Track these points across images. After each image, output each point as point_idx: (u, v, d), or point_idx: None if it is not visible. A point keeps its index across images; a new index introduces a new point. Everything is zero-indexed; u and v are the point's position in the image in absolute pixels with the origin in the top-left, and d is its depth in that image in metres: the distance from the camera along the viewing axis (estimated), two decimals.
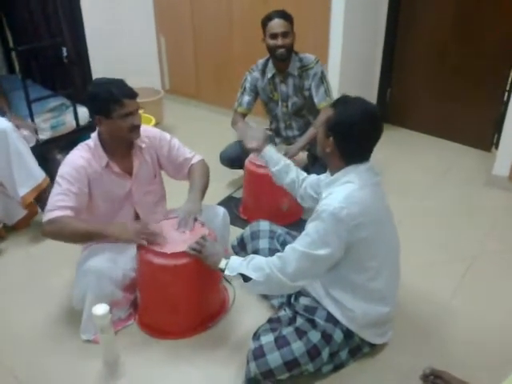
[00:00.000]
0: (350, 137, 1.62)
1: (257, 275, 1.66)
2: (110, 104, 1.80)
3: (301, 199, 2.03)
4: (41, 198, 2.53)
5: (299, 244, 1.63)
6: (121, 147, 1.95)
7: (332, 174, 1.71)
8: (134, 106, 1.85)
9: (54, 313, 2.10)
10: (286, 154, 2.62)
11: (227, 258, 1.76)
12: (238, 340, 1.93)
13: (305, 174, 2.03)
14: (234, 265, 1.72)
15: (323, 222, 1.58)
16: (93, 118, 1.88)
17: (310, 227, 1.63)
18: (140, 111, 1.93)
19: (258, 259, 1.71)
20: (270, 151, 2.05)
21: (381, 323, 1.79)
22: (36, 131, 2.78)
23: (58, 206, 1.82)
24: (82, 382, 1.79)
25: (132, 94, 1.84)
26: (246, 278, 1.68)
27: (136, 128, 1.88)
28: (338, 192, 1.61)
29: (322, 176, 1.91)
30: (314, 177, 1.97)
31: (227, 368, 1.81)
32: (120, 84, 1.84)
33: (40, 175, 2.54)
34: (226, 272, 1.72)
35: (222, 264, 1.74)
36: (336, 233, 1.58)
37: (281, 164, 2.02)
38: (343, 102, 1.67)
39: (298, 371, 1.64)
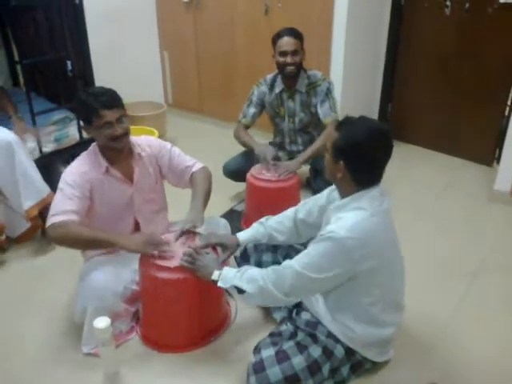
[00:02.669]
0: (361, 158, 1.56)
1: (250, 287, 1.65)
2: (89, 114, 1.83)
3: (298, 236, 1.96)
4: (44, 212, 2.54)
5: (297, 263, 1.61)
6: (116, 154, 1.95)
7: (342, 198, 1.66)
8: (112, 116, 1.83)
9: (55, 325, 2.09)
10: (285, 169, 2.65)
11: (220, 269, 1.75)
12: (240, 354, 1.91)
13: (292, 215, 1.94)
14: (227, 276, 1.71)
15: (327, 247, 1.55)
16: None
17: (312, 249, 1.61)
18: (128, 123, 1.91)
19: (252, 271, 1.70)
20: (243, 238, 1.95)
21: (382, 343, 1.78)
22: (39, 139, 2.79)
23: (62, 210, 1.82)
24: None
25: (110, 105, 1.83)
26: (240, 290, 1.67)
27: (115, 138, 1.86)
28: (348, 218, 1.56)
29: (318, 198, 1.89)
30: (307, 204, 1.93)
31: (228, 382, 1.80)
32: (100, 95, 1.84)
33: (45, 189, 2.55)
34: (219, 284, 1.71)
35: (215, 275, 1.73)
36: (338, 261, 1.56)
37: (266, 233, 1.95)
38: (348, 123, 1.61)
39: None
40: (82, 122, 1.93)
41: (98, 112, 1.81)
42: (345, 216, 1.58)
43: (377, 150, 1.57)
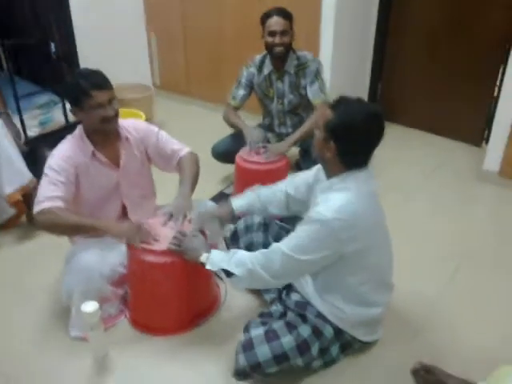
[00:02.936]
0: (354, 140, 1.53)
1: (239, 270, 1.65)
2: (79, 95, 1.79)
3: (287, 209, 1.96)
4: (29, 198, 2.51)
5: (285, 245, 1.60)
6: (103, 137, 1.92)
7: (328, 178, 1.65)
8: (103, 97, 1.80)
9: (43, 309, 2.08)
10: (273, 149, 2.64)
11: (209, 252, 1.74)
12: (229, 336, 1.92)
13: (283, 187, 1.94)
14: (215, 259, 1.70)
15: (315, 229, 1.55)
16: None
17: (300, 231, 1.60)
18: (118, 105, 1.88)
19: (241, 254, 1.70)
20: (237, 206, 1.94)
21: (371, 323, 1.79)
22: (19, 135, 2.72)
23: (48, 196, 1.80)
24: (70, 378, 1.78)
25: (101, 85, 1.80)
26: (228, 273, 1.67)
27: (108, 119, 1.84)
28: (335, 200, 1.55)
29: (306, 175, 1.88)
30: (295, 179, 1.93)
31: (217, 364, 1.81)
32: (90, 75, 1.81)
33: (27, 175, 2.50)
34: (208, 267, 1.70)
35: (203, 258, 1.72)
36: (326, 243, 1.56)
37: (259, 202, 1.94)
38: (343, 103, 1.56)
39: (286, 365, 1.63)
40: (70, 105, 1.87)
41: (89, 93, 1.77)
42: (332, 197, 1.57)
43: (370, 134, 1.55)
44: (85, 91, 1.77)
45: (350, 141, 1.54)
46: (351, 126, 1.51)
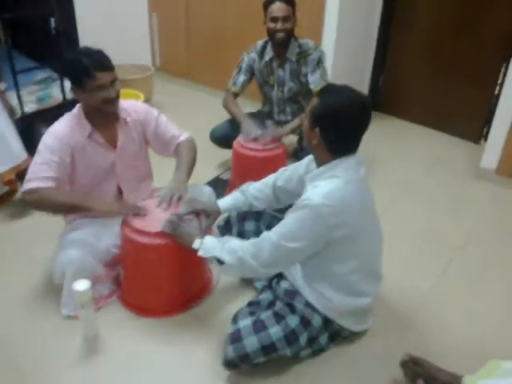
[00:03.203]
0: (337, 127, 1.55)
1: (230, 258, 1.65)
2: (82, 76, 1.75)
3: (277, 202, 1.97)
4: (22, 175, 2.48)
5: (275, 234, 1.61)
6: (102, 118, 1.90)
7: (318, 167, 1.65)
8: (106, 79, 1.77)
9: (34, 287, 2.07)
10: (271, 132, 2.63)
11: (202, 237, 1.73)
12: (220, 321, 1.92)
13: (271, 182, 1.94)
14: (208, 246, 1.70)
15: (303, 215, 1.56)
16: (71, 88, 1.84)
17: (289, 218, 1.61)
18: (120, 85, 1.86)
19: (233, 242, 1.70)
20: (224, 206, 1.94)
21: (360, 313, 1.79)
22: (13, 111, 2.68)
23: (39, 176, 1.79)
24: (60, 356, 1.78)
25: (105, 66, 1.77)
26: (220, 261, 1.67)
27: (109, 101, 1.81)
28: (323, 187, 1.56)
29: (298, 166, 1.88)
30: (287, 171, 1.93)
31: (207, 348, 1.81)
32: (93, 55, 1.76)
33: (22, 155, 2.46)
34: (200, 253, 1.70)
35: (196, 244, 1.72)
36: (314, 229, 1.56)
37: (246, 202, 1.95)
38: (329, 90, 1.60)
39: (275, 356, 1.64)
40: (70, 84, 1.82)
41: (92, 74, 1.73)
42: (320, 184, 1.58)
43: (354, 120, 1.55)
44: (88, 72, 1.73)
45: (334, 127, 1.55)
46: (334, 112, 1.53)
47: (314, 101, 1.59)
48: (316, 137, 1.58)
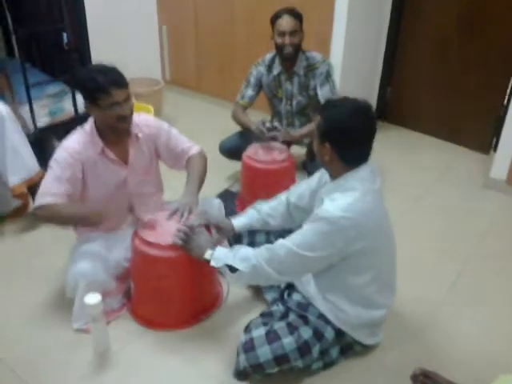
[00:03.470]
0: (346, 138, 1.57)
1: (243, 266, 1.66)
2: (96, 93, 1.75)
3: (291, 220, 1.95)
4: (34, 189, 2.51)
5: (291, 241, 1.61)
6: (115, 134, 1.91)
7: (333, 179, 1.66)
8: (121, 96, 1.78)
9: (46, 301, 2.09)
10: (285, 133, 2.66)
11: (213, 249, 1.74)
12: (230, 333, 1.92)
13: (284, 199, 1.94)
14: (219, 256, 1.71)
15: (321, 227, 1.56)
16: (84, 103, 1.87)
17: (307, 228, 1.61)
18: (133, 101, 1.88)
19: (245, 250, 1.71)
20: (238, 225, 1.94)
21: (373, 325, 1.79)
22: (25, 124, 2.72)
23: (50, 192, 1.81)
24: (71, 370, 1.79)
25: (119, 83, 1.77)
26: (232, 269, 1.68)
27: (123, 118, 1.83)
28: (342, 199, 1.57)
29: (309, 182, 1.88)
30: (298, 188, 1.93)
31: (218, 360, 1.81)
32: (108, 72, 1.77)
33: (34, 168, 2.48)
34: (212, 263, 1.71)
35: (207, 255, 1.73)
36: (333, 241, 1.56)
37: (260, 219, 1.94)
38: (329, 105, 1.65)
39: (287, 366, 1.64)
40: (84, 101, 1.83)
41: (107, 91, 1.74)
42: (338, 197, 1.58)
43: (360, 128, 1.57)
44: (103, 88, 1.74)
45: (343, 139, 1.57)
46: (339, 124, 1.56)
47: (318, 119, 1.62)
48: (328, 152, 1.60)
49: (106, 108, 1.78)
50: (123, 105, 1.80)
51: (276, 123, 2.70)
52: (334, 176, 1.66)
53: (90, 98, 1.79)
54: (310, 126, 2.72)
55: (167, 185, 2.28)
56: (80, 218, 1.91)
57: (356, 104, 1.60)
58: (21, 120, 2.65)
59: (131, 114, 1.87)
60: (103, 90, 1.74)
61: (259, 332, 1.66)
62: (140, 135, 1.99)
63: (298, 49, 2.70)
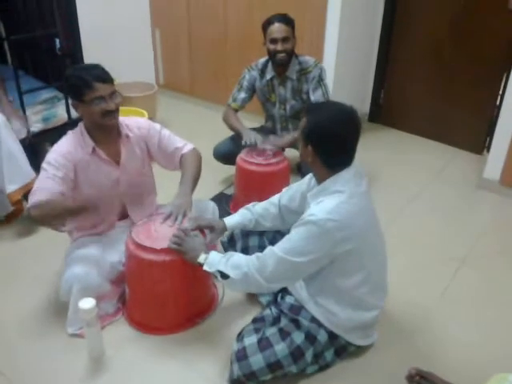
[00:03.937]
0: (327, 141, 1.57)
1: (235, 273, 1.66)
2: (81, 88, 1.78)
3: (282, 222, 1.97)
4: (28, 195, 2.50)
5: (279, 248, 1.61)
6: (104, 133, 1.92)
7: (319, 183, 1.67)
8: (105, 91, 1.80)
9: (40, 305, 2.08)
10: (272, 140, 2.66)
11: (207, 253, 1.74)
12: (226, 337, 1.92)
13: (276, 201, 1.96)
14: (213, 261, 1.71)
15: (308, 231, 1.56)
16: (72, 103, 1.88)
17: (294, 233, 1.61)
18: (121, 98, 1.88)
19: (238, 257, 1.71)
20: (231, 224, 1.96)
21: (365, 327, 1.79)
22: (27, 121, 2.74)
23: (44, 189, 1.79)
24: (66, 375, 1.78)
25: (103, 78, 1.80)
26: (224, 275, 1.68)
27: (109, 113, 1.83)
28: (327, 202, 1.57)
29: (300, 184, 1.89)
30: (290, 190, 1.94)
31: (212, 365, 1.81)
32: (92, 68, 1.81)
33: (30, 174, 2.48)
34: (205, 267, 1.71)
35: (201, 259, 1.73)
36: (320, 244, 1.56)
37: (252, 220, 1.96)
38: (314, 108, 1.67)
39: (281, 373, 1.64)
40: (71, 99, 1.86)
41: (90, 85, 1.76)
42: (324, 200, 1.59)
43: (342, 132, 1.57)
44: (87, 83, 1.76)
45: (324, 142, 1.58)
46: (322, 127, 1.57)
47: (303, 121, 1.62)
48: (310, 154, 1.61)
49: (91, 103, 1.79)
50: (108, 100, 1.81)
51: (257, 141, 2.66)
52: (319, 180, 1.67)
53: (76, 94, 1.81)
54: (294, 134, 2.73)
55: (160, 185, 2.28)
56: (76, 208, 1.86)
57: (340, 108, 1.61)
58: (21, 120, 2.65)
59: (117, 109, 1.87)
60: (87, 85, 1.76)
61: (251, 340, 1.66)
62: (131, 135, 1.99)
63: (290, 55, 2.70)
